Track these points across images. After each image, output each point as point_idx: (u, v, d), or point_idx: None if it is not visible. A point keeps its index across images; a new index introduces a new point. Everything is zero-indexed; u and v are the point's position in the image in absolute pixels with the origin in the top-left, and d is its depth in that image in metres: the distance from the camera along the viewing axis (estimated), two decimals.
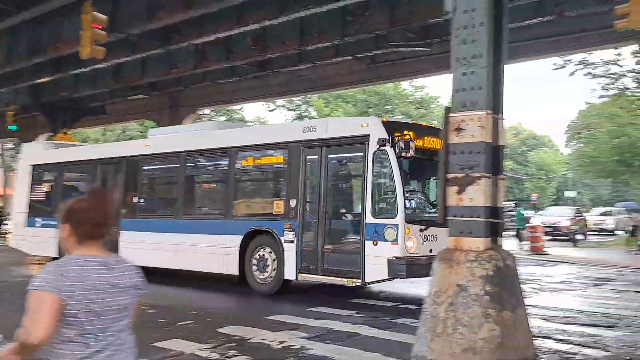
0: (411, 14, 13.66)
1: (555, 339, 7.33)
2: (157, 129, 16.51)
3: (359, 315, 8.68)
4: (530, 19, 14.18)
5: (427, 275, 8.55)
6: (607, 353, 6.73)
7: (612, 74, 30.14)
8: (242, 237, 10.81)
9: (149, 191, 14.05)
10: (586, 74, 29.96)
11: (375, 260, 9.04)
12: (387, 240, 9.01)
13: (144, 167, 13.34)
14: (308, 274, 9.96)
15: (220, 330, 7.54)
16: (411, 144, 9.07)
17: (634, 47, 22.40)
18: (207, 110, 35.20)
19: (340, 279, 9.55)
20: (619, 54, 29.02)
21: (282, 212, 10.43)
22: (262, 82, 22.27)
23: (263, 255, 10.63)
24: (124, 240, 12.58)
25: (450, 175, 6.43)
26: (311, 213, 10.09)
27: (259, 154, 11.32)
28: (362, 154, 9.55)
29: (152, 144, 13.24)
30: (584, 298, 11.04)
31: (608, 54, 29.18)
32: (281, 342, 6.89)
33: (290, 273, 10.15)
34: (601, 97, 33.98)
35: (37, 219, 15.16)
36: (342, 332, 7.49)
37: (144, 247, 12.15)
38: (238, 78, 21.29)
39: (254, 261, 10.73)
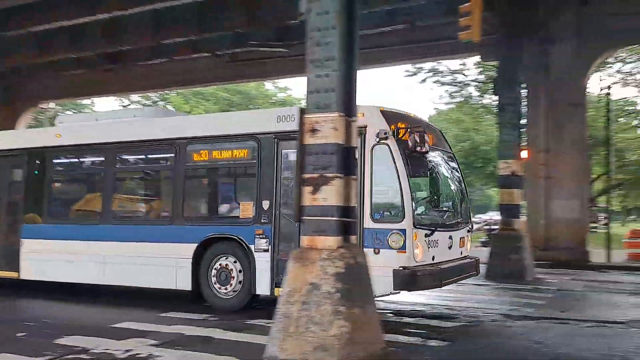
0: (270, 14, 13.69)
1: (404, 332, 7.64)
2: (68, 115, 14.46)
3: (214, 319, 8.46)
4: (384, 26, 14.80)
5: (436, 286, 8.25)
6: (448, 343, 7.14)
7: (458, 82, 32.53)
8: (196, 245, 9.20)
9: (62, 191, 11.81)
10: (435, 82, 32.16)
11: (378, 272, 7.40)
12: (392, 248, 7.90)
13: (55, 162, 11.26)
14: None
15: (59, 341, 6.97)
16: (426, 137, 8.06)
17: (477, 58, 24.24)
18: (51, 104, 32.75)
19: None
20: (463, 64, 31.44)
21: (252, 216, 8.95)
22: (115, 75, 21.14)
23: (226, 265, 9.14)
24: (28, 250, 10.78)
25: (305, 176, 6.46)
26: (289, 217, 8.71)
27: (219, 147, 9.52)
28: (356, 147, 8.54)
29: (65, 133, 11.01)
30: None
31: (456, 63, 31.27)
32: (127, 351, 6.51)
33: (262, 287, 8.76)
34: (448, 103, 36.57)
35: None
36: (194, 337, 7.25)
37: (56, 258, 10.45)
38: (86, 70, 19.99)
39: (214, 272, 9.21)
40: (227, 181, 10.19)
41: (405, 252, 7.82)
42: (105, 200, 10.44)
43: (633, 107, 32.13)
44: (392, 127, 8.17)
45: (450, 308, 9.73)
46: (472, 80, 32.05)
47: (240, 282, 9.02)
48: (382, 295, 8.13)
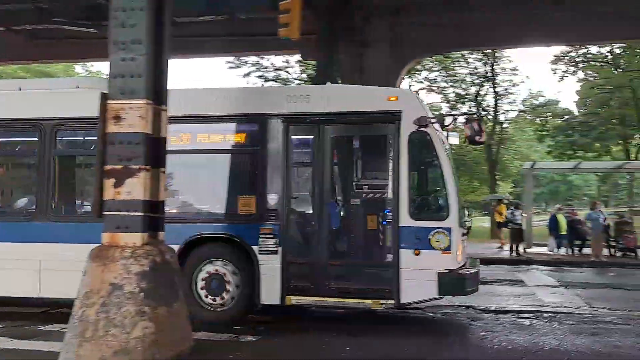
0: None
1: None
2: None
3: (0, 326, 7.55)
4: (205, 15, 14.44)
5: (475, 291, 7.56)
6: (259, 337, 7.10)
7: (282, 79, 33.07)
8: (179, 246, 7.52)
9: None
10: (260, 77, 32.36)
11: (418, 275, 7.07)
12: (434, 249, 7.16)
13: None
14: (303, 295, 7.55)
15: None
16: (483, 126, 7.44)
17: (299, 56, 24.82)
18: None
19: (358, 300, 7.43)
20: (287, 61, 32.04)
21: (255, 212, 7.67)
22: None
23: (216, 271, 7.78)
24: None
25: (107, 167, 6.01)
26: (303, 214, 7.88)
27: (207, 129, 8.04)
28: (388, 135, 7.66)
29: None
30: None
31: (279, 60, 31.74)
32: None
33: (270, 295, 7.54)
34: None
35: None
36: None
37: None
38: None
39: (201, 281, 7.80)
40: (219, 169, 8.22)
41: (450, 253, 7.14)
42: (40, 189, 8.20)
43: (438, 112, 35.16)
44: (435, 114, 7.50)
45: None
46: (295, 78, 32.81)
47: (238, 288, 7.73)
48: (422, 301, 7.69)
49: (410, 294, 7.26)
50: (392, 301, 7.30)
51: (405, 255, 7.20)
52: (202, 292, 7.82)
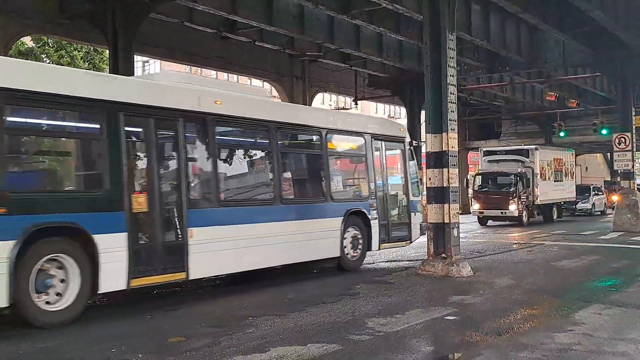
0: None
1: None
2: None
3: None
4: None
5: None
6: None
7: None
8: (342, 218, 10.98)
9: (232, 168, 9.79)
10: None
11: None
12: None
13: (218, 133, 9.21)
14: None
15: None
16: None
17: None
18: None
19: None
20: None
21: (367, 194, 11.71)
22: None
23: (355, 235, 11.30)
24: (202, 239, 8.40)
25: None
26: (382, 195, 12.12)
27: (343, 139, 11.85)
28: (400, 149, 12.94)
29: (225, 102, 9.16)
30: None
31: None
32: None
33: (375, 245, 11.69)
34: None
35: None
36: None
37: (241, 244, 8.99)
38: None
39: (349, 239, 11.19)
40: (349, 166, 12.57)
41: None
42: (274, 179, 10.06)
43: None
44: None
45: None
46: None
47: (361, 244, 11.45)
48: None
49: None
50: None
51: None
52: (349, 248, 11.36)
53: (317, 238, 10.41)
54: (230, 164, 9.63)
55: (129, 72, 14.62)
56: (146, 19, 14.81)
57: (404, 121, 27.50)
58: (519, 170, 24.52)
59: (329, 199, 10.93)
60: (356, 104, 27.39)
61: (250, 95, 10.52)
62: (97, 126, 7.57)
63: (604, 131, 27.54)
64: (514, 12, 16.68)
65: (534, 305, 8.00)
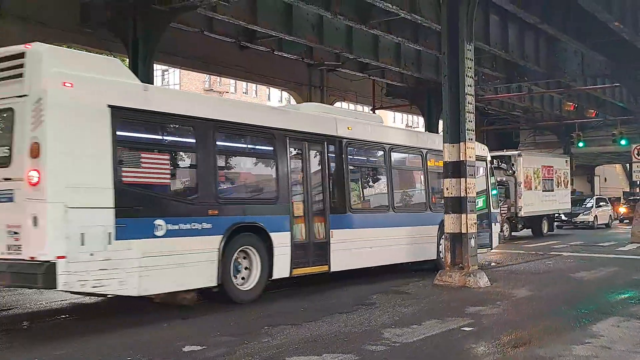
0: None
1: None
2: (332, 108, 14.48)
3: None
4: None
5: None
6: None
7: None
8: (437, 226, 12.37)
9: (364, 182, 12.23)
10: None
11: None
12: None
13: (349, 153, 11.21)
14: None
15: None
16: None
17: None
18: None
19: None
20: None
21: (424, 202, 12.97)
22: None
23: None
24: (339, 239, 10.45)
25: None
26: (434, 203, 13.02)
27: (410, 155, 13.05)
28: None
29: (354, 128, 11.35)
30: None
31: None
32: None
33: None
34: None
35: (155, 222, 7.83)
36: None
37: (367, 245, 11.03)
38: None
39: (441, 242, 12.26)
40: (412, 179, 13.55)
41: None
42: (389, 191, 11.98)
43: None
44: None
45: None
46: None
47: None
48: None
49: None
50: None
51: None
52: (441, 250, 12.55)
53: (420, 242, 12.26)
54: (357, 178, 11.65)
55: (148, 81, 14.76)
56: (167, 29, 15.00)
57: (421, 130, 27.43)
58: (498, 179, 23.41)
59: (428, 209, 12.79)
60: (374, 112, 27.48)
61: (370, 122, 12.44)
62: (271, 148, 9.62)
63: (623, 142, 27.30)
64: (533, 22, 16.63)
65: (551, 317, 7.94)
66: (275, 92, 54.29)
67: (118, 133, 7.35)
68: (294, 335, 6.82)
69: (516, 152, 24.70)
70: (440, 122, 14.64)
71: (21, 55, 6.87)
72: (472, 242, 10.77)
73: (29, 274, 6.60)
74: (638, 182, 22.03)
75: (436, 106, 22.11)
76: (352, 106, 28.98)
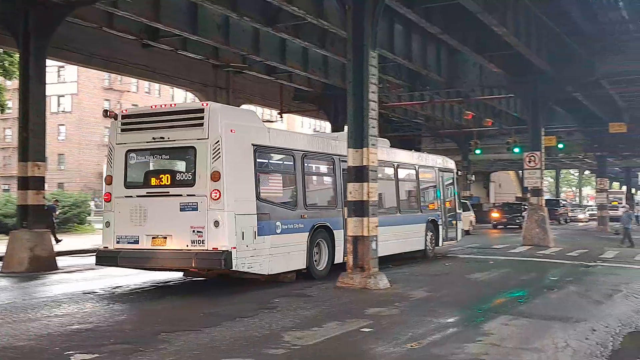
0: None
1: None
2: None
3: None
4: None
5: None
6: None
7: None
8: (425, 223, 16.22)
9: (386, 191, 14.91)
10: None
11: None
12: None
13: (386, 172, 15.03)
14: None
15: None
16: None
17: None
18: None
19: None
20: None
21: (436, 207, 17.05)
22: None
23: (431, 235, 16.56)
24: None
25: None
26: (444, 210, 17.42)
27: (426, 171, 16.87)
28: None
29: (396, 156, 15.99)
30: None
31: None
32: None
33: (440, 242, 17.34)
34: None
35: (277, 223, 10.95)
36: None
37: (384, 239, 12.59)
38: None
39: (429, 236, 16.45)
40: (430, 189, 17.32)
41: None
42: (397, 198, 15.32)
43: None
44: None
45: None
46: None
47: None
48: None
49: None
50: None
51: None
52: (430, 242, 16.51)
53: (412, 237, 15.51)
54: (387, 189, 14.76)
55: (40, 77, 14.00)
56: (63, 23, 14.24)
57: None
58: None
59: (419, 211, 16.24)
60: (281, 117, 27.48)
61: (383, 145, 14.60)
62: (332, 167, 12.90)
63: (516, 150, 28.88)
64: (435, 32, 17.23)
65: (446, 317, 8.22)
66: (179, 92, 52.99)
67: (257, 162, 10.44)
68: (192, 342, 6.64)
69: None
70: (346, 128, 14.85)
71: (201, 110, 9.89)
72: (374, 244, 10.97)
73: (213, 259, 9.44)
74: (529, 188, 23.19)
75: (343, 112, 22.45)
76: (259, 109, 28.85)
